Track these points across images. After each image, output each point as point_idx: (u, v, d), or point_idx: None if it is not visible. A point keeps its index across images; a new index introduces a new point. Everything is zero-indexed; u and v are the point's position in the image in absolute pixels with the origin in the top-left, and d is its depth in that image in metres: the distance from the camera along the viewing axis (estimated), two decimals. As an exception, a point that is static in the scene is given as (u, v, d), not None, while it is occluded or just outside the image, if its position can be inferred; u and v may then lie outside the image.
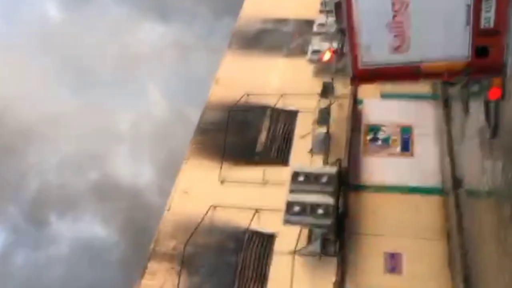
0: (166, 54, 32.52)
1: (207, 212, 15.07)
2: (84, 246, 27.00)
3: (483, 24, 7.93)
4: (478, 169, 11.33)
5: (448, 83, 9.26)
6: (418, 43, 8.19)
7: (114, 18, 33.14)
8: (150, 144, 29.50)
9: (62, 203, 28.25)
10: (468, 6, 7.80)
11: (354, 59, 8.54)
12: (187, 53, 32.25)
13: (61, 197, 28.38)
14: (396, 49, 8.30)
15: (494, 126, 9.87)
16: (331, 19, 19.13)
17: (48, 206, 28.36)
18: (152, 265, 14.68)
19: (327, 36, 19.12)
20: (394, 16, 8.09)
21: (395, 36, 8.23)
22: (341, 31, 8.86)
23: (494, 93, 8.73)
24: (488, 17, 7.90)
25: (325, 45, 18.47)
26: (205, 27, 33.42)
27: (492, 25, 7.91)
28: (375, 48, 8.36)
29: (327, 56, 9.63)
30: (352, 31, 8.36)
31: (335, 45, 12.30)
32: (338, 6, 8.62)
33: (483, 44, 8.10)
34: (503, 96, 8.69)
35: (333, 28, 17.96)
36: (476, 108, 11.46)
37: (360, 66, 8.55)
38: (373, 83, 9.09)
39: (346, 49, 8.84)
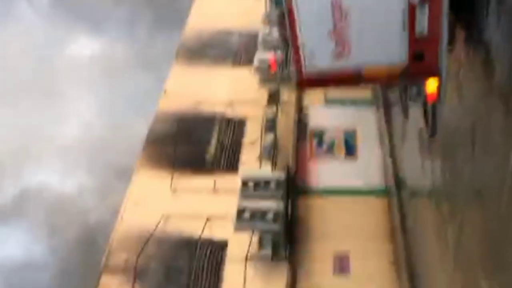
0: (99, 68, 31.98)
1: (158, 222, 15.06)
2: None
3: (418, 30, 8.30)
4: (419, 170, 11.83)
5: (388, 87, 9.66)
6: (359, 49, 8.50)
7: (43, 30, 32.29)
8: (86, 158, 28.95)
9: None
10: (404, 12, 8.17)
11: (299, 66, 8.80)
12: (122, 68, 31.84)
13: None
14: (338, 55, 8.60)
15: (432, 125, 10.36)
16: (275, 29, 19.60)
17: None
18: (105, 278, 14.56)
19: (271, 46, 19.59)
20: (334, 24, 8.39)
21: (336, 43, 8.52)
22: (284, 41, 9.12)
23: (431, 97, 9.16)
24: (423, 23, 8.28)
25: (270, 54, 18.91)
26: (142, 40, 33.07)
27: (426, 31, 8.30)
28: (318, 56, 8.64)
29: (273, 64, 9.88)
30: (295, 40, 8.62)
31: (279, 54, 12.64)
32: (281, 16, 8.87)
33: (419, 49, 8.48)
34: (439, 99, 9.13)
35: (276, 38, 18.46)
36: (415, 111, 11.98)
37: (304, 73, 8.82)
38: (317, 88, 9.41)
39: (290, 57, 9.08)
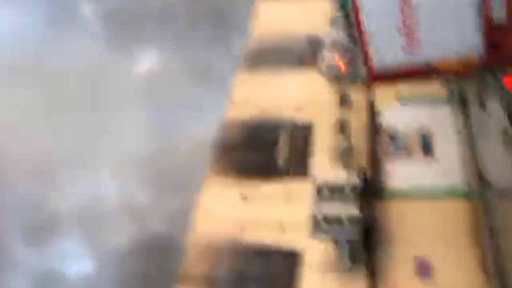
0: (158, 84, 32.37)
1: (233, 232, 14.99)
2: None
3: (494, 16, 7.91)
4: (505, 169, 11.17)
5: (463, 80, 9.22)
6: (428, 42, 8.22)
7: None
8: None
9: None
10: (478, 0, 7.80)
11: (367, 63, 8.62)
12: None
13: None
14: (407, 49, 8.33)
15: None
16: (340, 29, 19.24)
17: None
18: (181, 289, 14.60)
19: (338, 48, 19.19)
20: (402, 17, 8.12)
21: (405, 36, 8.25)
22: (351, 38, 8.92)
23: (509, 81, 8.68)
24: (498, 10, 7.89)
25: (337, 55, 18.52)
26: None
27: (503, 18, 7.90)
28: (387, 51, 8.42)
29: (342, 65, 9.70)
30: (362, 36, 8.41)
31: (346, 54, 12.29)
32: (346, 14, 8.72)
33: (495, 37, 8.08)
34: None
35: (343, 39, 18.08)
36: (497, 108, 11.33)
37: (373, 69, 8.61)
38: (388, 84, 9.12)
39: (358, 55, 8.88)
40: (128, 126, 29.65)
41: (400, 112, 17.18)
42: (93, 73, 31.41)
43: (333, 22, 19.38)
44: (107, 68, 32.03)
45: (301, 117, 18.15)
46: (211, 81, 29.39)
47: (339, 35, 18.79)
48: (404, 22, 7.85)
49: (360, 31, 8.12)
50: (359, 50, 8.49)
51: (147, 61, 33.54)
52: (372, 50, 8.22)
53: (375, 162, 15.71)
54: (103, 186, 29.08)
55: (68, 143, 28.50)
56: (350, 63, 9.84)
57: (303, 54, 21.35)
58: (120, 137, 29.31)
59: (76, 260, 27.05)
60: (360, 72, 9.58)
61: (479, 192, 13.02)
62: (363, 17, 8.00)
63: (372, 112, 17.14)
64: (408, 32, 7.91)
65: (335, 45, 17.67)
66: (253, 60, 21.88)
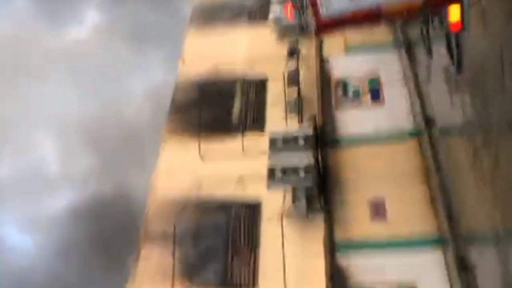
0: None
1: (192, 189, 15.18)
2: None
3: None
4: (448, 106, 11.59)
5: (409, 23, 9.39)
6: None
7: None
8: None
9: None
10: None
11: (316, 12, 8.64)
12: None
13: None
14: None
15: (458, 60, 10.07)
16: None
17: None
18: (145, 249, 14.76)
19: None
20: None
21: None
22: None
23: (454, 26, 8.86)
24: None
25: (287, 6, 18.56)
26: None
27: None
28: None
29: (290, 14, 9.71)
30: None
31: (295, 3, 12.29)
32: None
33: None
34: (463, 27, 8.84)
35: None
36: (439, 49, 11.68)
37: (322, 17, 8.64)
38: (336, 31, 9.21)
39: (306, 4, 8.90)
40: (69, 90, 29.25)
41: (348, 60, 17.48)
42: (25, 37, 30.65)
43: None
44: (40, 34, 31.33)
45: (253, 72, 18.29)
46: (157, 40, 29.04)
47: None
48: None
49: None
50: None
51: (89, 22, 33.07)
52: None
53: (326, 111, 16.04)
54: (43, 152, 28.80)
55: (4, 110, 27.99)
56: (299, 12, 9.82)
57: (252, 8, 21.36)
58: (61, 101, 28.90)
59: (16, 227, 26.88)
60: (308, 21, 9.61)
61: (425, 130, 13.48)
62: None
63: (321, 62, 17.39)
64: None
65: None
66: (203, 17, 21.78)
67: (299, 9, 9.30)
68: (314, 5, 8.62)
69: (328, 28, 8.88)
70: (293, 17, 9.13)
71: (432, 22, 8.80)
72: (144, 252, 14.71)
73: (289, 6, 9.84)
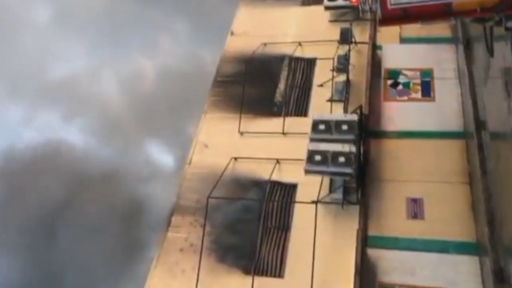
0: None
1: (228, 164, 15.09)
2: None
3: None
4: (503, 110, 11.10)
5: (480, 20, 8.93)
6: None
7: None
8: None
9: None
10: None
11: (383, 1, 8.29)
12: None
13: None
14: None
15: None
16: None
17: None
18: (176, 219, 14.80)
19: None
20: None
21: None
22: None
23: None
24: None
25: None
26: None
27: None
28: None
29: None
30: None
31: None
32: None
33: None
34: None
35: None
36: (501, 48, 11.14)
37: (389, 6, 8.28)
38: (403, 23, 8.86)
39: None
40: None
41: (402, 50, 16.99)
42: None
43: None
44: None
45: (302, 52, 17.96)
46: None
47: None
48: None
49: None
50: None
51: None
52: None
53: (373, 100, 15.66)
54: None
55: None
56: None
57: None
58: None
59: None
60: (367, 8, 9.24)
61: (475, 132, 13.00)
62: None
63: (374, 50, 16.94)
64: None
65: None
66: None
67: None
68: None
69: (394, 19, 8.51)
70: (358, 1, 8.76)
71: (506, 22, 8.30)
72: (175, 221, 14.79)
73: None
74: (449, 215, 12.89)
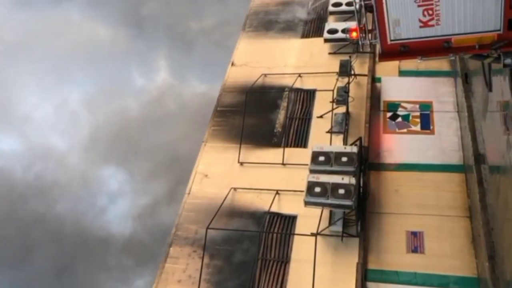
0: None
1: (227, 195, 15.05)
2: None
3: None
4: (502, 144, 11.15)
5: (478, 56, 9.06)
6: (448, 17, 8.01)
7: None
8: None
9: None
10: None
11: (383, 34, 8.39)
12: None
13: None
14: (426, 23, 8.15)
15: None
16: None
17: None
18: (174, 250, 14.69)
19: (342, 16, 19.08)
20: None
21: (424, 10, 8.06)
22: (366, 8, 8.66)
23: None
24: None
25: (341, 24, 18.37)
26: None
27: None
28: (404, 23, 8.22)
29: (354, 34, 9.45)
30: (380, 6, 8.19)
31: (354, 23, 12.05)
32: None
33: None
34: None
35: (350, 7, 17.88)
36: (499, 82, 11.26)
37: (389, 41, 8.39)
38: (402, 59, 8.95)
39: (373, 25, 8.68)
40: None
41: (401, 83, 17.13)
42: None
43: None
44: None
45: (302, 83, 18.09)
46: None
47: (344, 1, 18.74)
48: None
49: (379, 2, 7.93)
50: (375, 18, 8.28)
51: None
52: (388, 21, 8.01)
53: (373, 133, 15.73)
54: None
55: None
56: (362, 32, 9.51)
57: (306, 21, 21.20)
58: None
59: None
60: (367, 42, 9.36)
61: (474, 166, 13.03)
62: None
63: (373, 82, 17.08)
64: (429, 6, 7.75)
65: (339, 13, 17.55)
66: (256, 24, 21.71)
67: (363, 29, 9.02)
68: (382, 27, 8.37)
69: (393, 54, 8.61)
70: (358, 36, 8.88)
71: (505, 58, 8.41)
72: (173, 251, 14.67)
73: (355, 25, 9.60)
74: (449, 249, 12.85)
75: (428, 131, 15.75)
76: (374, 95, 16.89)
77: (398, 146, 15.48)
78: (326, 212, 13.67)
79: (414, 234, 13.34)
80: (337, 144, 15.04)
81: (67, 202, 26.65)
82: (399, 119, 16.17)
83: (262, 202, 14.86)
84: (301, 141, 16.63)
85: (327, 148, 14.21)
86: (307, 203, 13.24)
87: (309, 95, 17.77)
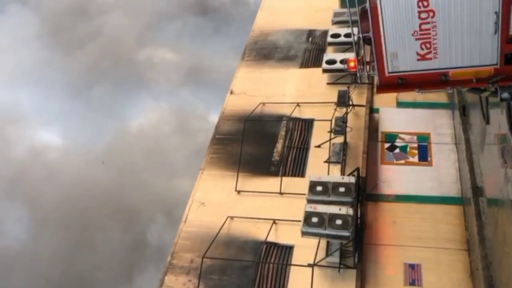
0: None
1: (224, 223, 14.96)
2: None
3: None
4: (500, 178, 11.15)
5: (476, 90, 9.14)
6: (446, 51, 8.09)
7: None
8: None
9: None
10: (497, 13, 7.68)
11: (381, 67, 8.45)
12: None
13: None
14: (423, 56, 8.22)
15: None
16: (345, 29, 19.25)
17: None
18: (169, 279, 14.49)
19: (341, 47, 19.26)
20: (420, 24, 8.00)
21: (422, 43, 8.14)
22: (364, 40, 8.74)
23: None
24: None
25: (339, 55, 18.54)
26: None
27: None
28: (402, 56, 8.29)
29: (352, 64, 9.53)
30: (378, 39, 8.27)
31: (352, 55, 12.18)
32: (363, 14, 8.52)
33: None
34: None
35: (348, 38, 18.07)
36: (497, 115, 11.32)
37: (387, 74, 8.45)
38: (400, 91, 9.01)
39: (372, 57, 8.75)
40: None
41: (399, 114, 17.22)
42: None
43: (337, 19, 19.54)
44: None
45: (300, 113, 18.15)
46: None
47: (342, 33, 18.93)
48: (423, 29, 7.80)
49: (376, 32, 8.01)
50: (374, 50, 8.36)
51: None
52: (386, 54, 8.10)
53: (370, 164, 15.73)
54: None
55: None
56: (360, 63, 9.61)
57: (304, 51, 21.40)
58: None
59: None
60: (366, 75, 9.45)
61: (472, 199, 13.03)
62: (380, 18, 7.91)
63: (371, 113, 17.16)
64: (426, 40, 7.86)
65: (337, 44, 17.71)
66: (255, 54, 21.88)
67: (361, 61, 9.11)
68: (380, 60, 8.44)
69: (391, 87, 8.66)
70: (356, 68, 8.97)
71: (502, 92, 8.48)
72: (168, 280, 14.50)
73: (353, 57, 9.68)
74: (448, 283, 12.75)
75: (425, 162, 15.78)
76: (372, 125, 16.95)
77: (396, 177, 15.48)
78: (323, 242, 13.57)
79: (412, 266, 13.25)
80: (334, 174, 14.99)
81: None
82: (397, 150, 16.21)
83: (259, 232, 14.74)
84: (298, 170, 16.59)
85: (324, 178, 14.18)
86: (304, 233, 13.15)
87: (307, 124, 17.79)
